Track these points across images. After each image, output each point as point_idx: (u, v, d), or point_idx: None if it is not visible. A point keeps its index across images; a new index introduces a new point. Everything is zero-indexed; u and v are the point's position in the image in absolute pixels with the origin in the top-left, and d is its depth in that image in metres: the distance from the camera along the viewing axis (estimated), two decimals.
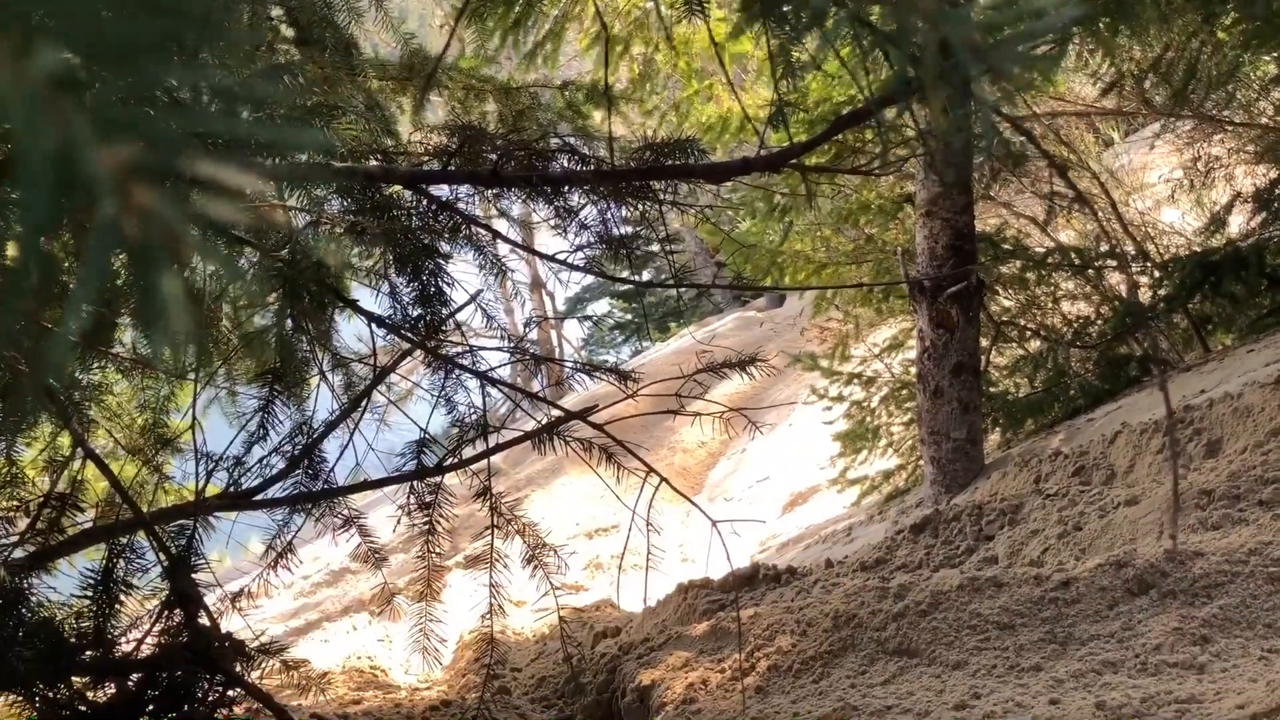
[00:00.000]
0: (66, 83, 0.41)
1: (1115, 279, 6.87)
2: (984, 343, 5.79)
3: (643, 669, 3.36)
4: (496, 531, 2.21)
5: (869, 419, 6.86)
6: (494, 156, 2.11)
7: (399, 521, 2.23)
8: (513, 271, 2.55)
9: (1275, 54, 5.57)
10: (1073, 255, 6.57)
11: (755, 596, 4.08)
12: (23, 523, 2.10)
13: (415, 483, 2.20)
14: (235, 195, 0.49)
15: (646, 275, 9.92)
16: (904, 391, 6.74)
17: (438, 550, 2.25)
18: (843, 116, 1.77)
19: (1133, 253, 6.74)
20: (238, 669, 1.89)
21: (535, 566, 2.22)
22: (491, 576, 2.21)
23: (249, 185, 0.46)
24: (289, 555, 2.30)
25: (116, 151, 0.41)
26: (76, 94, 0.41)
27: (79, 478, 2.56)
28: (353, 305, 2.15)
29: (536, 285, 17.97)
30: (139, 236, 0.42)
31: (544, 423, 2.10)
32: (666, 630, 3.79)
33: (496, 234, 2.20)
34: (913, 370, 6.23)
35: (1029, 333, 6.60)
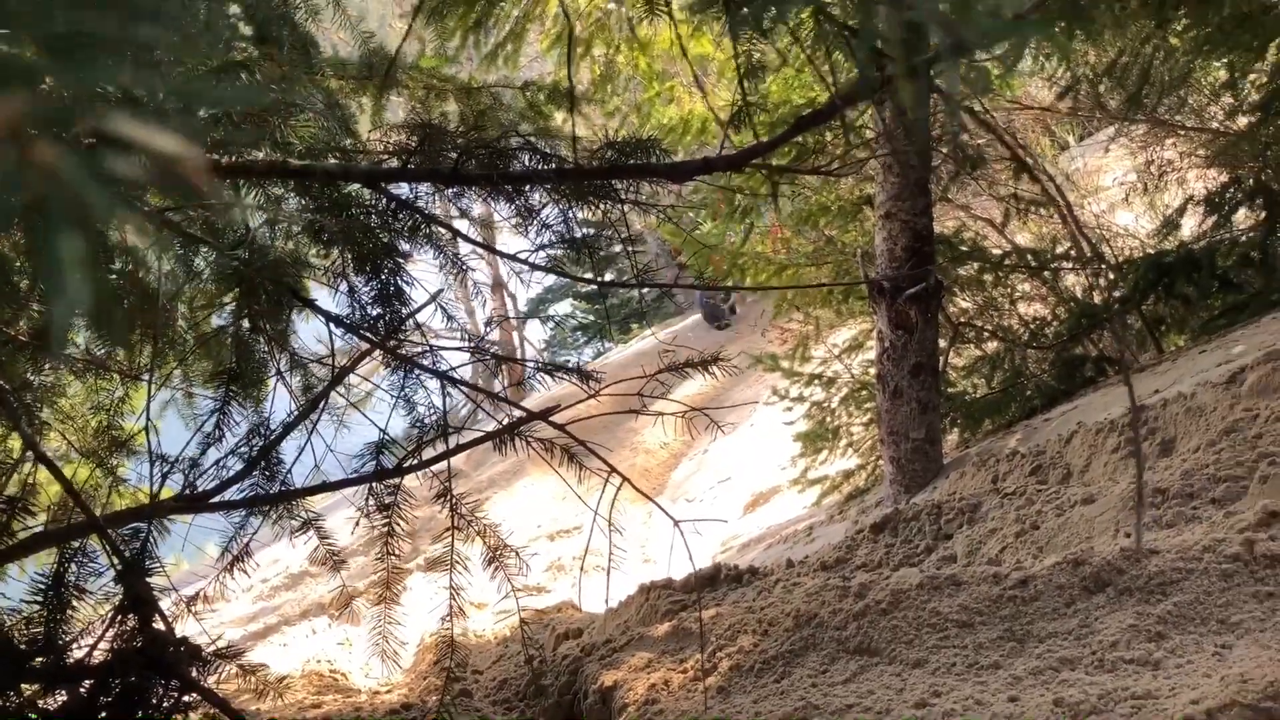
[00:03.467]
0: (15, 72, 0.40)
1: (1071, 280, 6.96)
2: (942, 343, 5.84)
3: (605, 670, 3.35)
4: (457, 533, 2.20)
5: (829, 419, 6.91)
6: (454, 155, 2.09)
7: (357, 524, 2.20)
8: (473, 271, 2.53)
9: (1226, 60, 5.67)
10: (1029, 257, 6.66)
11: (717, 597, 4.08)
12: None
13: (374, 484, 2.17)
14: (159, 161, 0.47)
15: (609, 276, 10.01)
16: (863, 392, 6.79)
17: (397, 553, 2.22)
18: (804, 117, 1.77)
19: (1088, 255, 6.84)
20: (194, 674, 1.86)
21: (496, 568, 2.20)
22: (452, 579, 2.19)
23: (180, 150, 0.44)
24: (246, 559, 2.26)
25: (12, 102, 0.39)
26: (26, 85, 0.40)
27: (30, 481, 2.51)
28: (311, 305, 2.12)
29: (498, 286, 17.88)
30: (42, 193, 0.40)
31: (505, 423, 2.09)
32: (629, 631, 3.79)
33: (456, 233, 2.18)
34: (872, 371, 6.27)
35: (986, 334, 6.67)
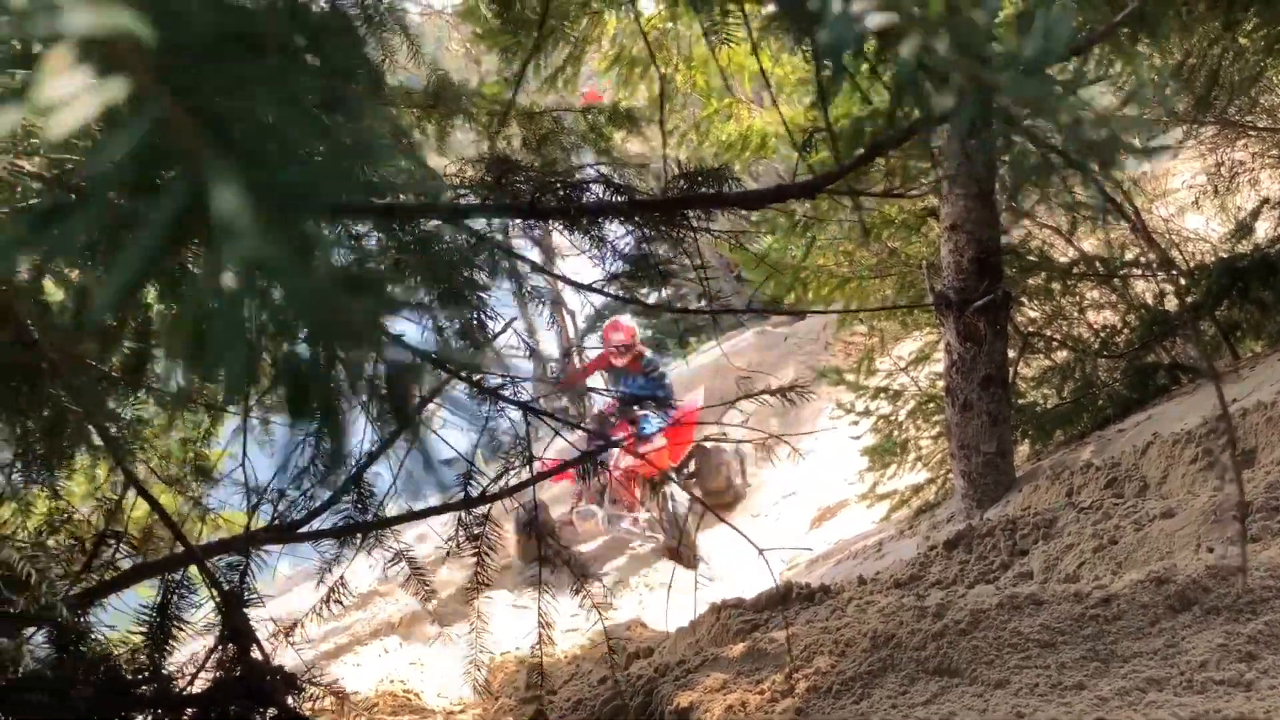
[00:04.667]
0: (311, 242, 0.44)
1: (1141, 287, 6.84)
2: (1010, 354, 5.77)
3: (680, 691, 3.36)
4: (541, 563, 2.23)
5: (896, 433, 6.85)
6: (527, 186, 2.14)
7: (448, 555, 2.24)
8: (544, 301, 2.57)
9: None
10: (1097, 264, 6.56)
11: (789, 616, 4.07)
12: (75, 559, 2.14)
13: (463, 514, 2.21)
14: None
15: (670, 290, 9.98)
16: (931, 405, 6.72)
17: (486, 580, 2.27)
18: (877, 142, 1.78)
19: (1158, 260, 6.72)
20: (289, 702, 1.91)
21: (584, 598, 2.23)
22: (540, 609, 2.23)
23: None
24: (341, 589, 2.32)
25: (359, 308, 0.44)
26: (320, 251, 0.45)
27: (121, 510, 2.59)
28: (396, 340, 2.17)
29: (558, 303, 18.00)
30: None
31: (584, 451, 2.12)
32: (702, 651, 3.79)
33: (537, 266, 2.22)
34: (939, 383, 6.22)
35: (1056, 343, 6.58)
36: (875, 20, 0.65)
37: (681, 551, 7.95)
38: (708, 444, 9.08)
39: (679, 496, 7.87)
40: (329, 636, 9.19)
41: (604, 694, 3.81)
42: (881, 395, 6.95)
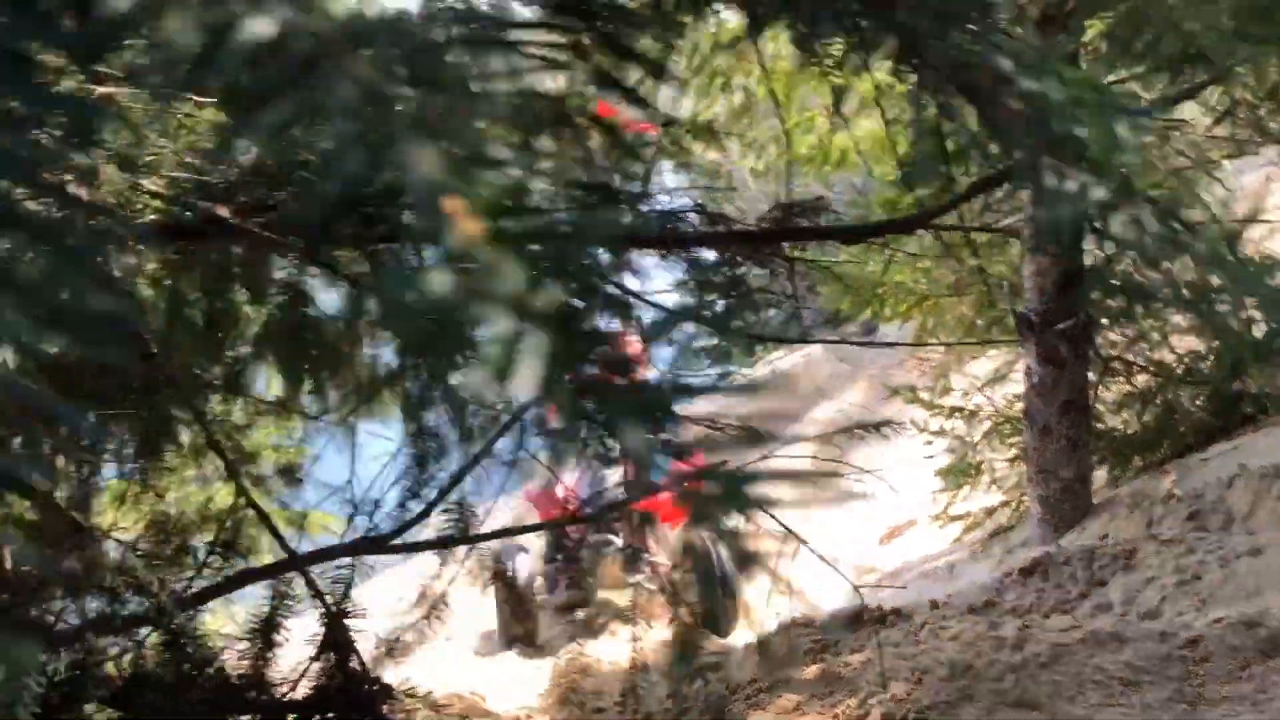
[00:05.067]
0: None
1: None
2: (1090, 376, 5.67)
3: (752, 710, 3.37)
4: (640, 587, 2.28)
5: (971, 454, 6.75)
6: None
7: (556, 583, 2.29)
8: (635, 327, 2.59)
9: None
10: (1183, 289, 6.41)
11: (860, 638, 4.05)
12: (185, 563, 2.24)
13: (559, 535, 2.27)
14: None
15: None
16: (1007, 426, 6.61)
17: (581, 600, 2.31)
18: (977, 182, 1.80)
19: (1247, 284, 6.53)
20: (386, 711, 1.98)
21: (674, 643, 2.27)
22: (634, 633, 2.28)
23: None
24: (444, 605, 2.38)
25: None
26: None
27: (231, 519, 2.69)
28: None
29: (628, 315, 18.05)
30: None
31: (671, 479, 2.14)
32: (773, 671, 3.79)
33: (634, 294, 2.26)
34: (1016, 405, 6.12)
35: (1137, 368, 6.44)
36: (1095, 194, 0.67)
37: (721, 614, 5.76)
38: None
39: (723, 552, 5.91)
40: (396, 634, 9.29)
41: (672, 709, 3.82)
42: (956, 415, 6.86)
